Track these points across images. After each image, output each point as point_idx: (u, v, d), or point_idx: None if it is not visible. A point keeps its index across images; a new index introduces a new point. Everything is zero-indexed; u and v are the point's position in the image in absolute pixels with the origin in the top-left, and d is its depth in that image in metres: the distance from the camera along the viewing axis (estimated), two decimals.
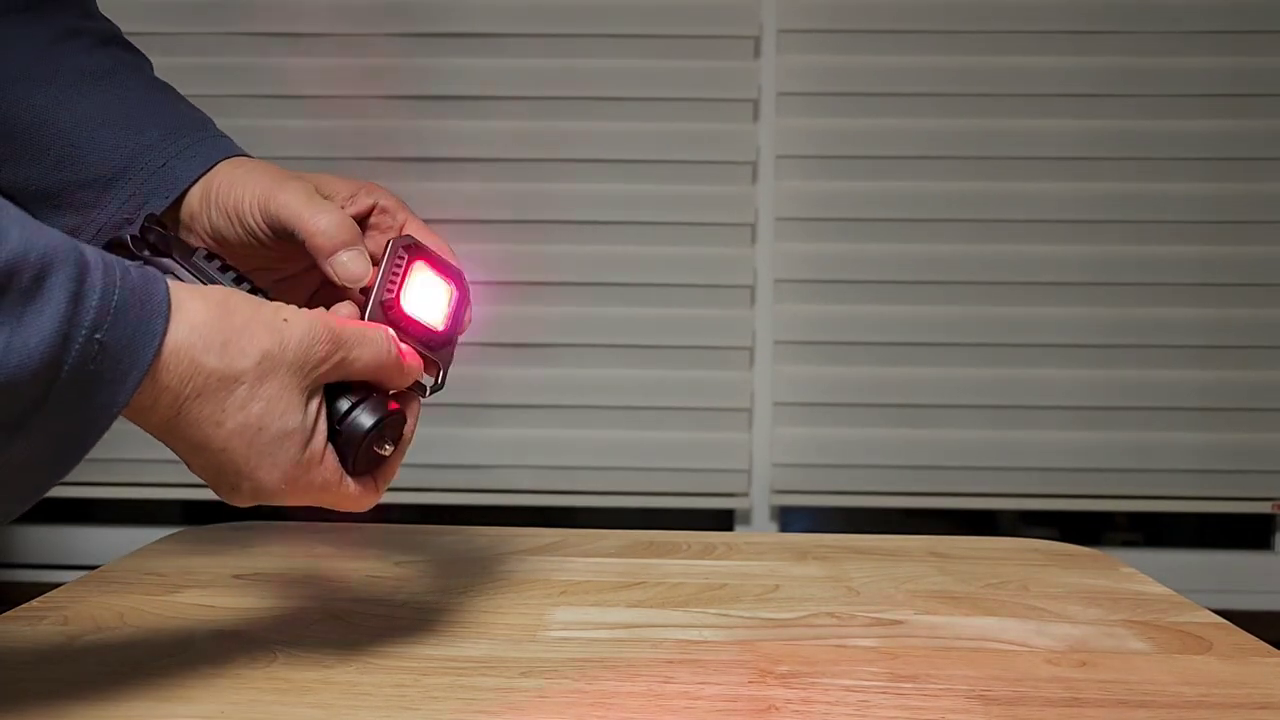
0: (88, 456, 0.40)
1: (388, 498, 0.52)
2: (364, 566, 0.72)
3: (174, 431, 0.44)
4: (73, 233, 0.53)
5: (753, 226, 1.40)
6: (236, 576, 0.69)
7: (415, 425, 0.52)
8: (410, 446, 0.52)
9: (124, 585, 0.67)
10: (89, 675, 0.51)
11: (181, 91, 0.60)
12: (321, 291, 0.57)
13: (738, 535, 0.84)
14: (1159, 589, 0.70)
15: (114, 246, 0.51)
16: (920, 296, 1.39)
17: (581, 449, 1.40)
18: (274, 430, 0.44)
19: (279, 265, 0.56)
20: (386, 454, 0.50)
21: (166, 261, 0.50)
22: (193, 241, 0.54)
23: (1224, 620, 0.63)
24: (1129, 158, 1.37)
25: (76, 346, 0.38)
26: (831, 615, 0.63)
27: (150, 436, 0.44)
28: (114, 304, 0.39)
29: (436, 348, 0.53)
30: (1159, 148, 1.37)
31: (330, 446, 0.47)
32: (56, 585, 0.66)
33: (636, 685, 0.51)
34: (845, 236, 1.39)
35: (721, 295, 1.40)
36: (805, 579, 0.71)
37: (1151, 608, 0.65)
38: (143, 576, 0.69)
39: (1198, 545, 1.54)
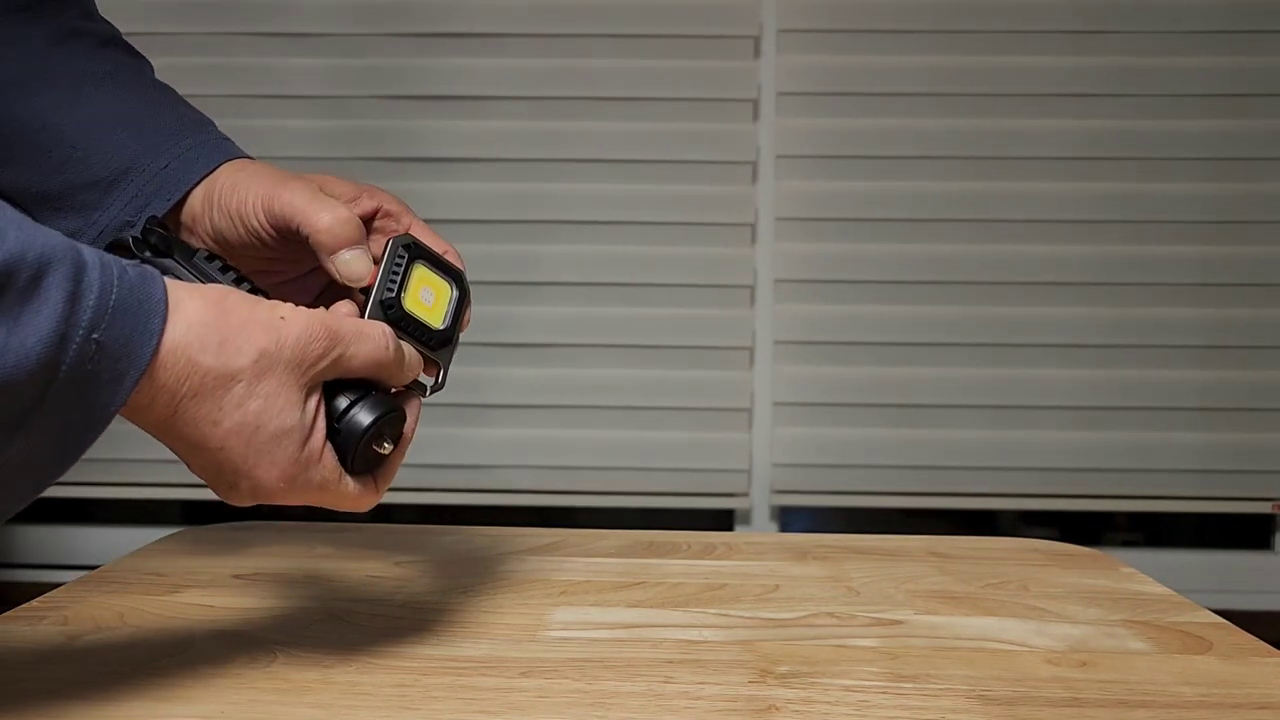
0: (87, 456, 0.40)
1: (388, 497, 0.51)
2: (364, 566, 0.72)
3: (171, 431, 0.43)
4: (73, 235, 0.53)
5: (753, 226, 1.40)
6: (236, 576, 0.69)
7: (415, 425, 0.51)
8: (410, 446, 0.52)
9: (124, 585, 0.67)
10: (89, 675, 0.51)
11: (181, 91, 0.60)
12: (326, 294, 0.57)
13: (738, 535, 0.84)
14: (1159, 589, 0.70)
15: (115, 248, 0.51)
16: (920, 296, 1.39)
17: (581, 449, 1.40)
18: (271, 428, 0.44)
19: (281, 267, 0.56)
20: (386, 453, 0.49)
21: (167, 262, 0.50)
22: (195, 244, 0.54)
23: (1224, 620, 0.63)
24: (1129, 158, 1.38)
25: (74, 346, 0.38)
26: (831, 615, 0.63)
27: (150, 436, 0.44)
28: (111, 303, 0.39)
29: (436, 347, 0.53)
30: (1159, 148, 1.37)
31: (329, 445, 0.47)
32: (56, 585, 0.66)
33: (636, 685, 0.51)
34: (845, 236, 1.39)
35: (721, 295, 1.40)
36: (805, 579, 0.71)
37: (1151, 608, 0.65)
38: (143, 576, 0.69)
39: (1198, 545, 1.54)
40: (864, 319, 1.39)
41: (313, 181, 0.54)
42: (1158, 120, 1.37)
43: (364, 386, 0.48)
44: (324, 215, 0.51)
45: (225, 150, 0.56)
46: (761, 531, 1.43)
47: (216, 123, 0.59)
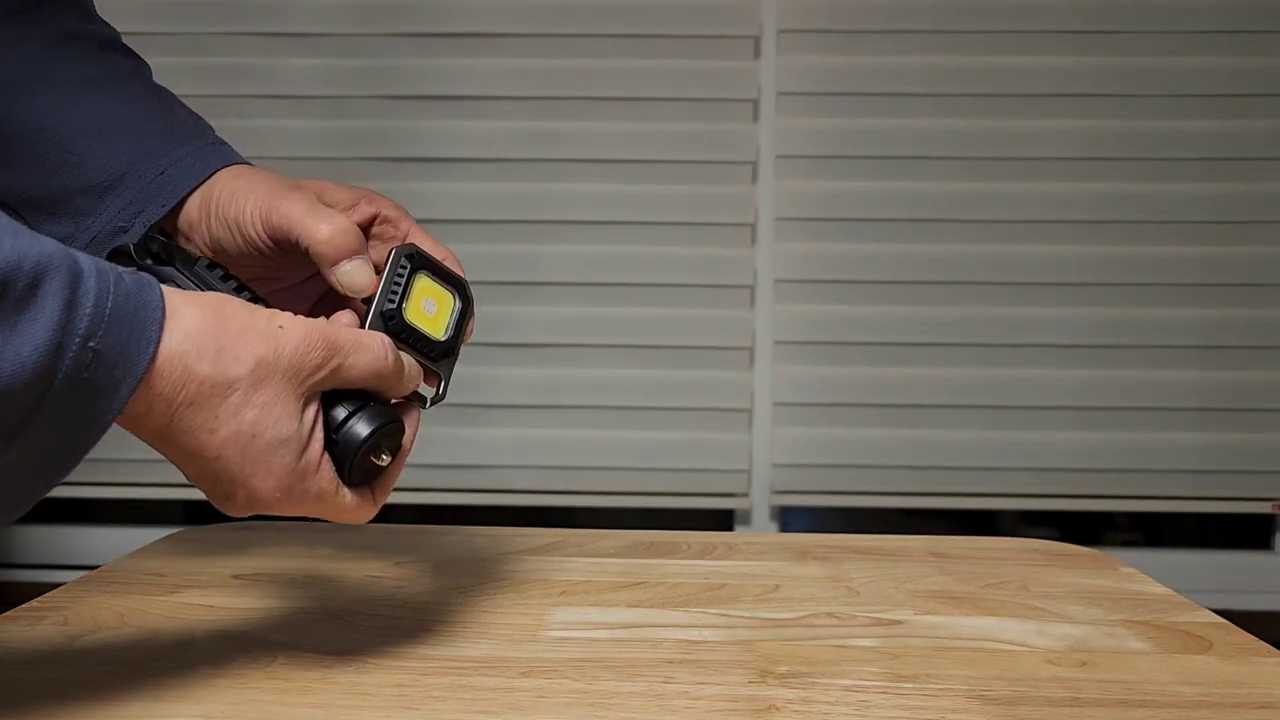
0: (87, 456, 0.40)
1: (389, 496, 0.51)
2: (364, 566, 0.72)
3: (168, 439, 0.43)
4: (67, 240, 0.53)
5: (753, 226, 1.40)
6: (236, 576, 0.69)
7: (414, 436, 0.51)
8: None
9: (124, 585, 0.67)
10: (89, 675, 0.51)
11: (182, 91, 0.60)
12: (323, 301, 0.57)
13: (738, 535, 0.84)
14: (1159, 589, 0.70)
15: (116, 255, 0.51)
16: (920, 296, 1.39)
17: (581, 449, 1.40)
18: (268, 437, 0.44)
19: (279, 275, 0.55)
20: (384, 464, 0.49)
21: (168, 270, 0.50)
22: (194, 252, 0.54)
23: (1224, 620, 0.63)
24: (1129, 158, 1.38)
25: (70, 354, 0.38)
26: (831, 615, 0.63)
27: None
28: (108, 311, 0.39)
29: (437, 359, 0.53)
30: (1159, 148, 1.37)
31: (326, 455, 0.47)
32: (56, 585, 0.66)
33: (636, 685, 0.51)
34: (845, 236, 1.39)
35: (721, 295, 1.40)
36: (805, 579, 0.71)
37: (1151, 608, 0.65)
38: (143, 576, 0.69)
39: (1198, 545, 1.55)
40: (864, 319, 1.39)
41: (310, 189, 0.53)
42: (1157, 120, 1.37)
43: (363, 397, 0.48)
44: (323, 226, 0.51)
45: (222, 156, 0.55)
46: (761, 531, 1.43)
47: (217, 123, 0.59)
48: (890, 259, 1.39)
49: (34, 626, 0.58)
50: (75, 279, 0.38)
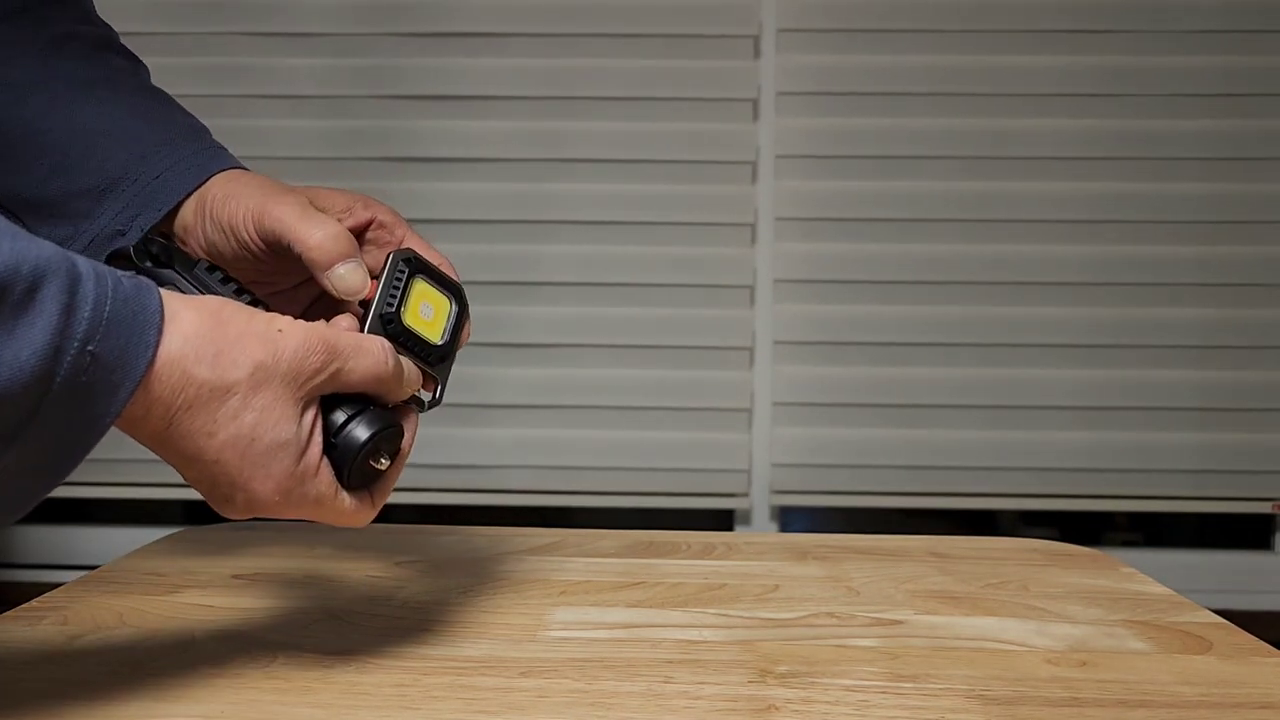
0: (87, 458, 0.40)
1: (388, 496, 0.51)
2: (364, 566, 0.72)
3: (166, 443, 0.43)
4: (64, 242, 0.53)
5: (753, 226, 1.40)
6: (236, 576, 0.69)
7: (413, 440, 0.51)
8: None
9: (124, 585, 0.67)
10: (89, 675, 0.51)
11: (181, 91, 0.60)
12: (317, 305, 0.57)
13: (738, 535, 0.84)
14: (1159, 589, 0.70)
15: (116, 258, 0.51)
16: (919, 296, 1.39)
17: (580, 449, 1.40)
18: (267, 441, 0.44)
19: (273, 279, 0.55)
20: (383, 468, 0.49)
21: (168, 273, 0.50)
22: (192, 254, 0.54)
23: (1224, 620, 0.63)
24: (1127, 158, 1.38)
25: (68, 359, 0.38)
26: (831, 615, 0.63)
27: None
28: (106, 315, 0.39)
29: (435, 362, 0.53)
30: (1157, 148, 1.37)
31: (325, 459, 0.47)
32: (56, 585, 0.66)
33: (636, 685, 0.51)
34: (845, 236, 1.39)
35: (721, 295, 1.40)
36: (805, 579, 0.71)
37: (1151, 608, 0.65)
38: (143, 576, 0.69)
39: (1198, 545, 1.55)
40: (863, 319, 1.39)
41: (303, 195, 0.53)
42: (1156, 120, 1.37)
43: (361, 401, 0.48)
44: (315, 232, 0.51)
45: (219, 160, 0.55)
46: (761, 531, 1.43)
47: (216, 123, 0.59)
48: (890, 259, 1.39)
49: (34, 626, 0.58)
50: (73, 283, 0.38)
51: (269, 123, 1.38)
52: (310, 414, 0.46)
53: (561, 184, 1.39)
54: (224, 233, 0.53)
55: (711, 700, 0.49)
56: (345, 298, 0.51)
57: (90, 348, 0.38)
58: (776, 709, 0.48)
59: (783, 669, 0.53)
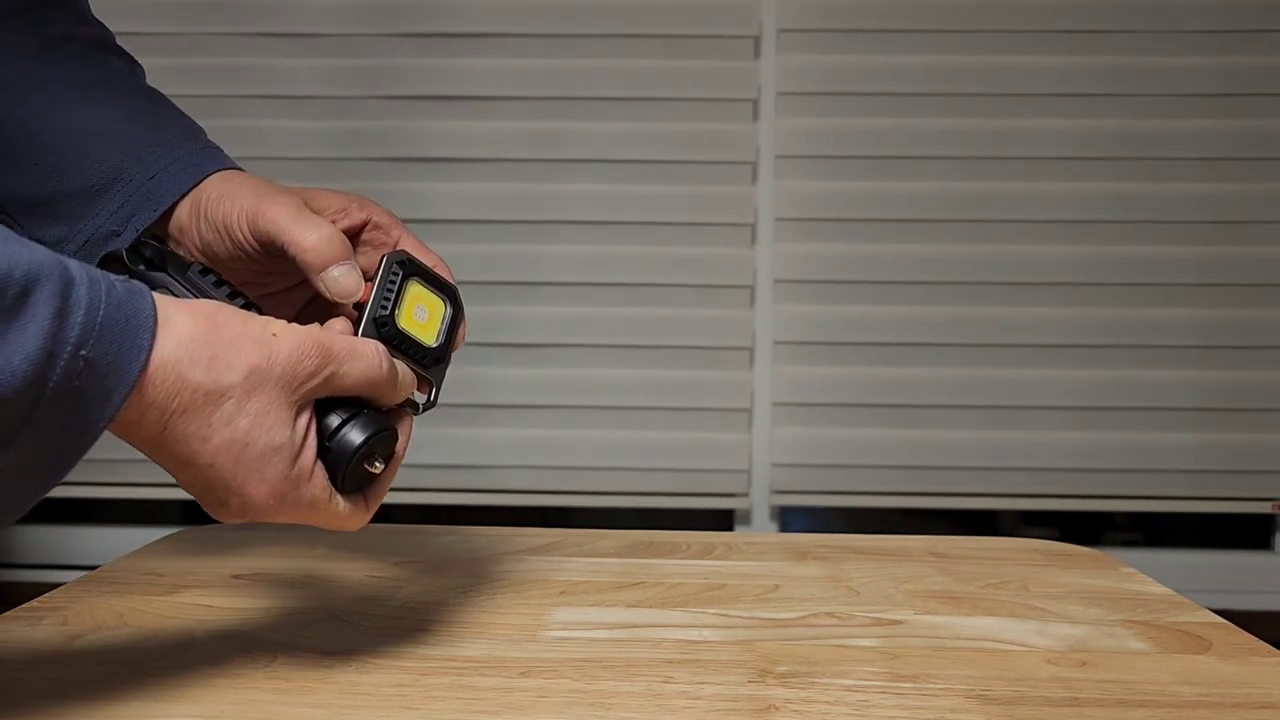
0: (87, 456, 0.40)
1: (387, 497, 0.51)
2: (363, 566, 0.72)
3: (161, 447, 0.43)
4: (59, 243, 0.53)
5: (752, 226, 1.40)
6: (236, 576, 0.69)
7: (407, 443, 0.51)
8: (407, 450, 0.51)
9: (124, 585, 0.67)
10: (89, 675, 0.51)
11: (180, 92, 0.60)
12: (310, 307, 0.56)
13: (737, 535, 0.84)
14: (1159, 589, 0.70)
15: (109, 261, 0.51)
16: (919, 296, 1.39)
17: (580, 449, 1.40)
18: (261, 445, 0.44)
19: (268, 280, 0.55)
20: (377, 472, 0.49)
21: (161, 276, 0.50)
22: (184, 256, 0.54)
23: (1224, 620, 0.63)
24: (1127, 158, 1.38)
25: (61, 363, 0.37)
26: (831, 615, 0.63)
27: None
28: (99, 319, 0.38)
29: (429, 365, 0.53)
30: (1157, 148, 1.37)
31: (319, 463, 0.46)
32: (56, 585, 0.66)
33: (636, 685, 0.51)
34: (844, 237, 1.39)
35: (721, 295, 1.40)
36: (805, 579, 0.71)
37: (1151, 608, 0.65)
38: (143, 576, 0.69)
39: (1197, 545, 1.55)
40: (863, 319, 1.39)
41: (299, 196, 0.53)
42: (1155, 120, 1.37)
43: (356, 404, 0.48)
44: (309, 234, 0.50)
45: (214, 160, 0.55)
46: (761, 531, 1.43)
47: (215, 123, 0.59)
48: (890, 259, 1.39)
49: (34, 626, 0.58)
50: (66, 287, 0.38)
51: (268, 123, 1.38)
52: (304, 418, 0.46)
53: (561, 184, 1.39)
54: (218, 233, 0.53)
55: (711, 700, 0.49)
56: (339, 300, 0.51)
57: (84, 352, 0.38)
58: (776, 709, 0.48)
59: (782, 669, 0.53)
